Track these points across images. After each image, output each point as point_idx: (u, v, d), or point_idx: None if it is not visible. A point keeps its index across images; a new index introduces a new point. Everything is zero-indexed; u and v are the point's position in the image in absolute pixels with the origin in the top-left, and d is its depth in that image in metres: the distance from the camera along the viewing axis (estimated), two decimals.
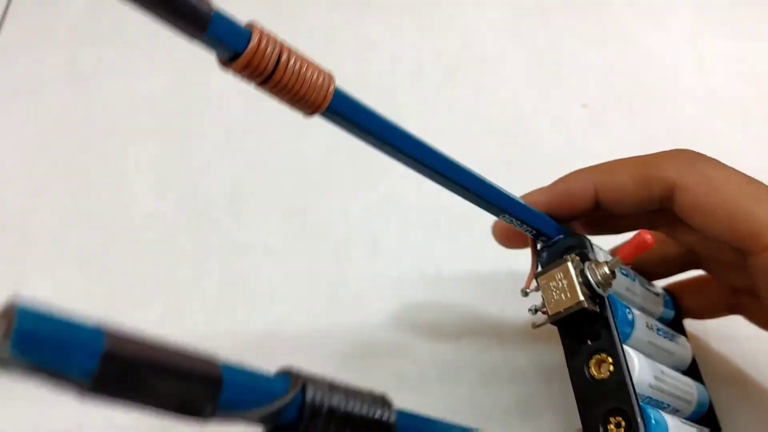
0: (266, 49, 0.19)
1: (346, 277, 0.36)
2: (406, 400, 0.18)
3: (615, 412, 0.25)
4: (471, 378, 0.33)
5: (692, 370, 0.31)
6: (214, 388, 0.13)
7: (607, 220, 0.30)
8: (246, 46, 0.18)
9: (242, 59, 0.18)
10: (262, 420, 0.14)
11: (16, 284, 0.35)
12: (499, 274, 0.37)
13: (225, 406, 0.14)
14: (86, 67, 0.44)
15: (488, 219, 0.38)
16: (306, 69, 0.20)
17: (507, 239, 0.31)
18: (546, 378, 0.33)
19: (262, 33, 0.19)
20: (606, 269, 0.26)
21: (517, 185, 0.40)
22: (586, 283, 0.26)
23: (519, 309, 0.35)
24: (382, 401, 0.17)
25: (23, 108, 0.42)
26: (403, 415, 0.17)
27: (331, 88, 0.20)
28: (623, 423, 0.24)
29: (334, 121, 0.21)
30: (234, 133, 0.42)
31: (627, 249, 0.26)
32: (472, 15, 0.50)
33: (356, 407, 0.16)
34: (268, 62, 0.19)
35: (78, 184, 0.39)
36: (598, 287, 0.26)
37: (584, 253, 0.27)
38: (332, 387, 0.16)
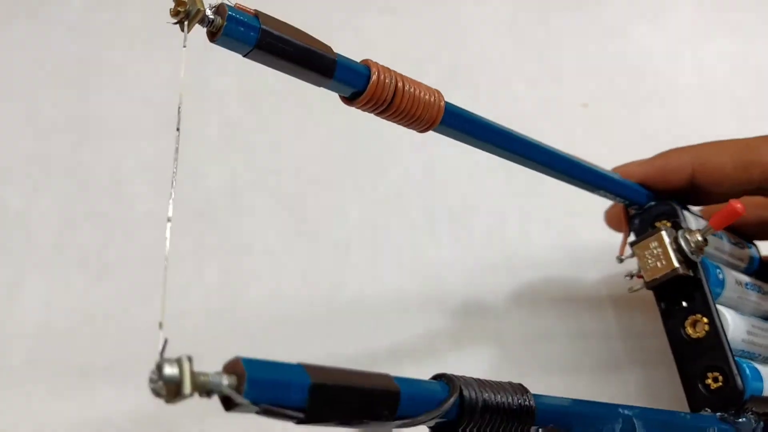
0: (385, 82, 0.21)
1: (346, 276, 0.36)
2: None
3: (712, 368, 0.27)
4: None
5: None
6: (394, 400, 0.16)
7: (699, 195, 0.31)
8: (367, 84, 0.20)
9: (365, 95, 0.20)
10: (432, 421, 0.17)
11: (16, 284, 0.34)
12: (498, 269, 0.38)
13: (404, 413, 0.16)
14: (85, 65, 0.43)
15: (485, 218, 0.40)
16: (419, 92, 0.22)
17: (617, 224, 0.33)
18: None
19: (379, 69, 0.21)
20: (699, 236, 0.28)
21: (515, 185, 0.41)
22: (679, 250, 0.28)
23: (523, 306, 0.37)
24: (521, 389, 0.19)
25: (22, 107, 0.41)
26: (539, 398, 0.20)
27: (442, 104, 0.22)
28: (720, 377, 0.27)
29: (446, 134, 0.23)
30: (233, 133, 0.42)
31: (718, 218, 0.27)
32: (471, 14, 0.49)
33: (502, 398, 0.18)
34: (387, 93, 0.21)
35: (77, 183, 0.39)
36: (692, 254, 0.27)
37: (677, 222, 0.29)
38: (481, 384, 0.18)
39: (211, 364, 0.15)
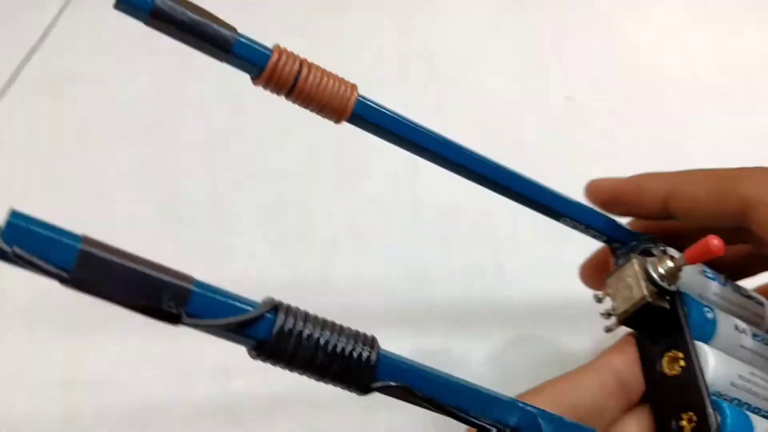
0: (286, 64, 0.22)
1: (332, 278, 0.36)
2: None
3: (686, 407, 0.23)
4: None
5: None
6: (183, 296, 0.16)
7: (680, 231, 0.28)
8: (267, 63, 0.22)
9: (264, 74, 0.22)
10: (230, 330, 0.17)
11: None
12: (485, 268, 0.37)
13: (193, 314, 0.16)
14: (63, 72, 0.45)
15: (471, 217, 0.38)
16: (327, 80, 0.23)
17: (592, 278, 0.31)
18: None
19: (281, 51, 0.22)
20: (669, 263, 0.25)
21: None
22: (650, 279, 0.25)
23: (510, 306, 0.35)
24: (366, 340, 0.18)
25: (0, 116, 0.42)
26: (387, 357, 0.18)
27: (354, 97, 0.23)
28: (695, 418, 0.23)
29: (362, 127, 0.24)
30: (215, 137, 0.42)
31: (693, 250, 0.25)
32: (453, 9, 0.50)
33: (332, 339, 0.17)
34: (288, 75, 0.22)
35: (58, 191, 0.39)
36: (662, 281, 0.25)
37: (648, 250, 0.26)
38: (309, 317, 0.18)
39: None
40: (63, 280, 0.15)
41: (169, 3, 0.20)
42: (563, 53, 0.48)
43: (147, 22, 0.21)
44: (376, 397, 0.18)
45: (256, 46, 0.22)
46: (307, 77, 0.22)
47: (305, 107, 0.23)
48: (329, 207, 0.40)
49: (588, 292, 0.35)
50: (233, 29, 0.22)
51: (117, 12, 0.43)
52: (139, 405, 0.31)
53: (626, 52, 0.48)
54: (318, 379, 0.17)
